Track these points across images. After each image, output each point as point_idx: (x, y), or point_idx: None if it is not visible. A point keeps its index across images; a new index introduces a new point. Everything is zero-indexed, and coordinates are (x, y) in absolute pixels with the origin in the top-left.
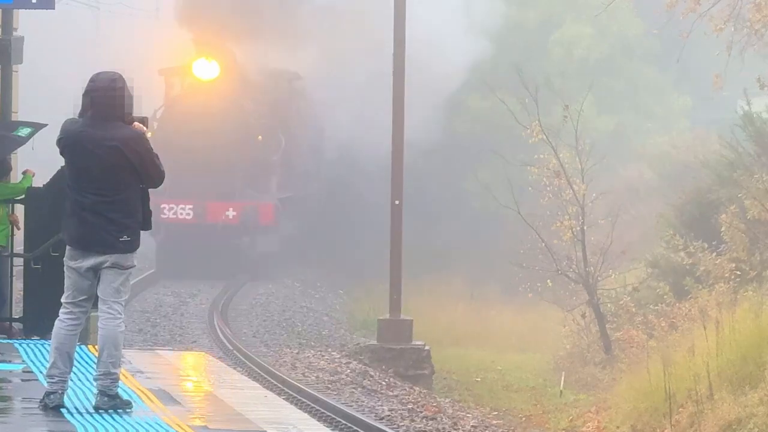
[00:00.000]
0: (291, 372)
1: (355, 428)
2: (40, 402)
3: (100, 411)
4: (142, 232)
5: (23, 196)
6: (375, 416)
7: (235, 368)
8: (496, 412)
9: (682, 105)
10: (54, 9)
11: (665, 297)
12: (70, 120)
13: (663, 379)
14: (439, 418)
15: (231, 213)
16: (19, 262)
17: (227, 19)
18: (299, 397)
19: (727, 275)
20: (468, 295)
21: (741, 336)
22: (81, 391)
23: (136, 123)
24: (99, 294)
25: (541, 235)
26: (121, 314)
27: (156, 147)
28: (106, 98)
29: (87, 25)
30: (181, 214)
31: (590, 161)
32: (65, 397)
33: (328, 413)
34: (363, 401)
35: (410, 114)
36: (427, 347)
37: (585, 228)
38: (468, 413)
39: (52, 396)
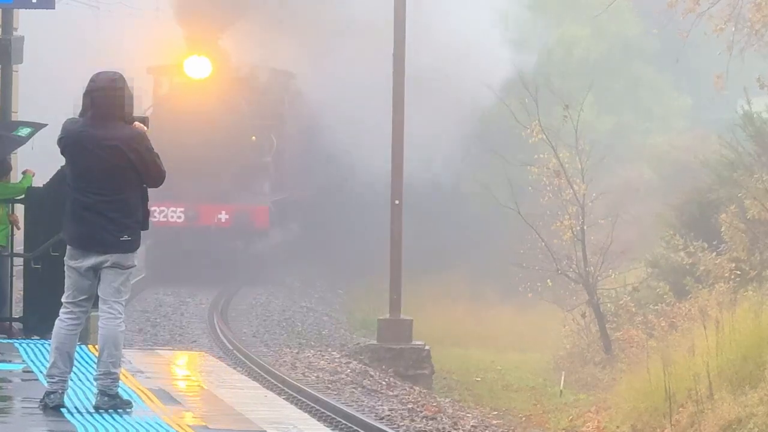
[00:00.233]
0: (291, 372)
1: (355, 428)
2: (40, 402)
3: (100, 411)
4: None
5: (23, 196)
6: (375, 416)
7: (235, 368)
8: (496, 412)
9: (682, 105)
10: (54, 9)
11: (665, 297)
12: (70, 120)
13: (663, 379)
14: (439, 418)
15: (224, 216)
16: (19, 262)
17: (220, 14)
18: (299, 397)
19: (727, 275)
20: (468, 295)
21: (741, 336)
22: (81, 391)
23: (136, 122)
24: (99, 294)
25: (541, 234)
26: (121, 314)
27: None
28: (106, 98)
29: (87, 25)
30: (172, 217)
31: (590, 161)
32: (65, 396)
33: (328, 413)
34: (363, 401)
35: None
36: (427, 347)
37: (585, 228)
38: (468, 413)
39: (52, 396)
